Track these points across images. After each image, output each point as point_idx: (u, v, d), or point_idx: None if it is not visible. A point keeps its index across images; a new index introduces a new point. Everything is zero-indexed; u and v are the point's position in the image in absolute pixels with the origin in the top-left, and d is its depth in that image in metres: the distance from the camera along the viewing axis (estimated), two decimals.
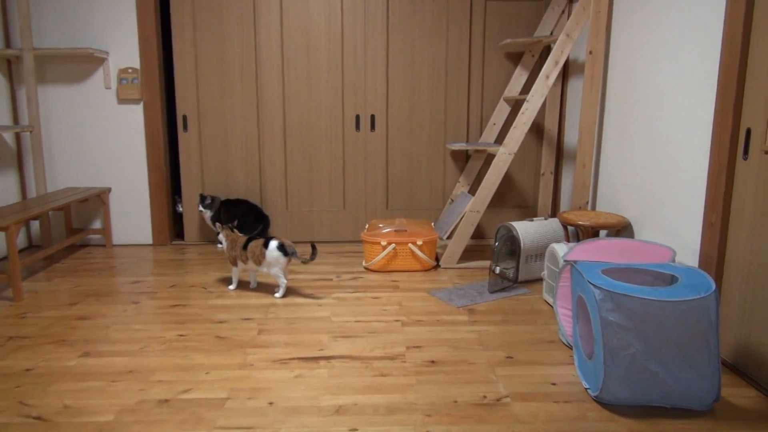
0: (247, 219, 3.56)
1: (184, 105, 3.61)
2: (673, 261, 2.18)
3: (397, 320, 2.46)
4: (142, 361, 2.07)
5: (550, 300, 2.62)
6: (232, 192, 3.73)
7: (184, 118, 3.62)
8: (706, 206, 2.14)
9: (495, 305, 2.64)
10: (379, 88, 3.63)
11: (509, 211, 3.83)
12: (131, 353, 2.14)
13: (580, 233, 3.11)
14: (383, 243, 3.08)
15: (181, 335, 2.30)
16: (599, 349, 1.72)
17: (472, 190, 3.77)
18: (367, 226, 3.22)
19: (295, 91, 3.61)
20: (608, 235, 2.95)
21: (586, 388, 1.86)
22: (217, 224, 2.84)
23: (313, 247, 2.68)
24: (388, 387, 1.89)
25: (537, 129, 3.74)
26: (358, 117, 3.65)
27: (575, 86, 3.44)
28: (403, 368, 2.01)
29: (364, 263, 3.21)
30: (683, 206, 2.33)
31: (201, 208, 3.55)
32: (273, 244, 2.66)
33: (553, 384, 1.91)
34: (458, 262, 3.24)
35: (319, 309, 2.59)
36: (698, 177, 2.21)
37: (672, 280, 2.00)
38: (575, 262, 1.99)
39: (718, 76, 2.06)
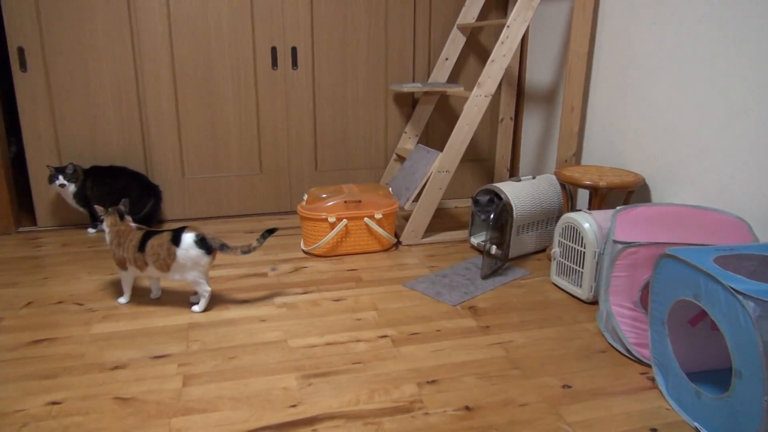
0: (129, 193, 2.59)
1: (18, 33, 2.48)
2: (754, 236, 1.66)
3: (383, 336, 1.74)
4: None
5: (566, 285, 2.04)
6: (102, 157, 2.71)
7: (20, 51, 2.50)
8: None
9: (497, 297, 2.01)
10: (301, 10, 2.75)
11: (462, 165, 3.19)
12: None
13: (573, 195, 2.54)
14: (331, 219, 2.31)
15: (55, 402, 1.41)
16: (753, 385, 1.15)
17: (423, 142, 3.08)
18: (305, 196, 2.42)
19: (185, 13, 2.62)
20: (592, 197, 2.41)
21: None
22: (99, 209, 1.89)
23: (270, 231, 1.88)
24: None
25: None
26: (274, 50, 2.76)
27: (543, 12, 2.81)
28: (434, 428, 1.32)
29: (303, 246, 2.43)
30: (737, 158, 1.81)
31: (60, 182, 2.52)
32: (188, 238, 1.79)
33: (653, 430, 1.32)
34: (422, 237, 2.57)
35: (265, 327, 1.80)
36: (765, 121, 1.69)
37: None
38: (668, 249, 1.39)
39: None
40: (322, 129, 2.92)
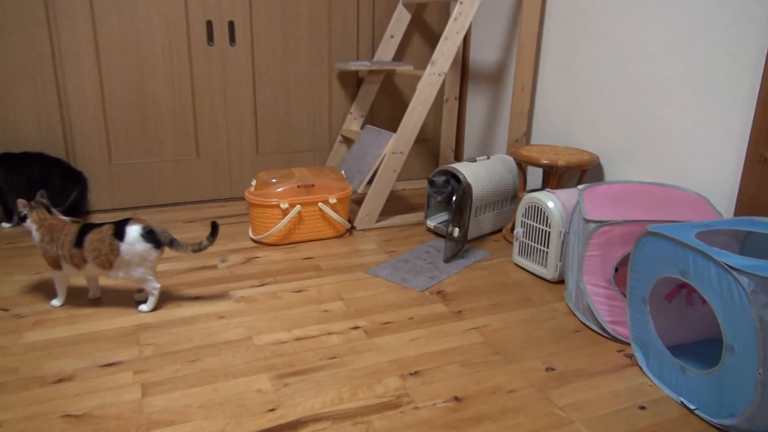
0: (49, 182, 2.33)
1: None
2: (717, 211, 1.70)
3: (354, 327, 1.65)
4: None
5: (529, 265, 2.03)
6: (14, 142, 2.41)
7: None
8: (752, 137, 1.68)
9: (463, 280, 1.97)
10: None
11: None
12: None
13: (526, 174, 2.54)
14: (284, 205, 2.18)
15: None
16: (746, 359, 1.16)
17: (369, 123, 2.98)
18: (253, 182, 2.27)
19: None
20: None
21: (691, 410, 1.31)
22: (21, 203, 1.65)
23: (214, 226, 1.70)
24: None
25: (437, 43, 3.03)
26: (210, 24, 2.55)
27: None
28: (426, 423, 1.25)
29: (252, 235, 2.28)
30: (693, 135, 1.85)
31: None
32: (133, 231, 1.61)
33: (642, 408, 1.32)
34: (376, 221, 2.48)
35: (225, 324, 1.66)
36: (723, 97, 1.73)
37: (746, 238, 1.51)
38: (649, 226, 1.38)
39: None
40: (263, 110, 2.75)
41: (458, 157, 3.18)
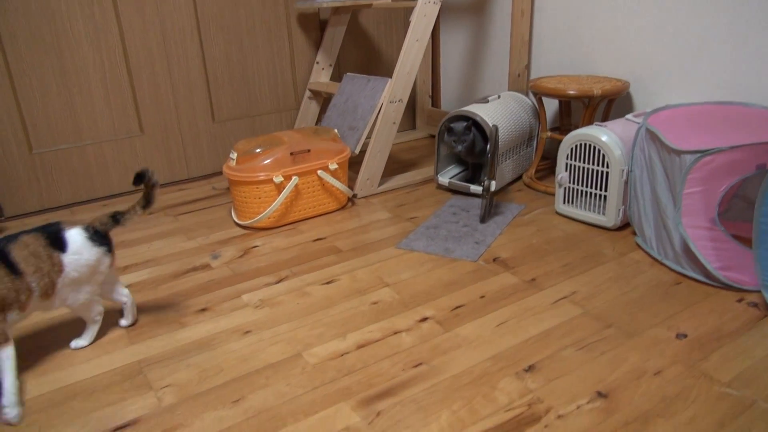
0: None
1: None
2: None
3: (422, 319, 1.32)
4: None
5: (581, 214, 1.76)
6: None
7: None
8: None
9: (513, 240, 1.67)
10: None
11: None
12: None
13: (542, 109, 2.24)
14: (277, 179, 1.76)
15: None
16: None
17: (338, 72, 2.57)
18: (233, 155, 1.83)
19: None
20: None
21: None
22: None
23: (140, 178, 1.22)
24: None
25: None
26: None
27: None
28: None
29: (238, 219, 1.85)
30: (743, 45, 1.63)
31: None
32: (76, 235, 1.16)
33: None
34: (378, 185, 2.12)
35: (256, 341, 1.26)
36: None
37: None
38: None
39: None
40: (215, 66, 2.27)
41: (435, 103, 2.84)
